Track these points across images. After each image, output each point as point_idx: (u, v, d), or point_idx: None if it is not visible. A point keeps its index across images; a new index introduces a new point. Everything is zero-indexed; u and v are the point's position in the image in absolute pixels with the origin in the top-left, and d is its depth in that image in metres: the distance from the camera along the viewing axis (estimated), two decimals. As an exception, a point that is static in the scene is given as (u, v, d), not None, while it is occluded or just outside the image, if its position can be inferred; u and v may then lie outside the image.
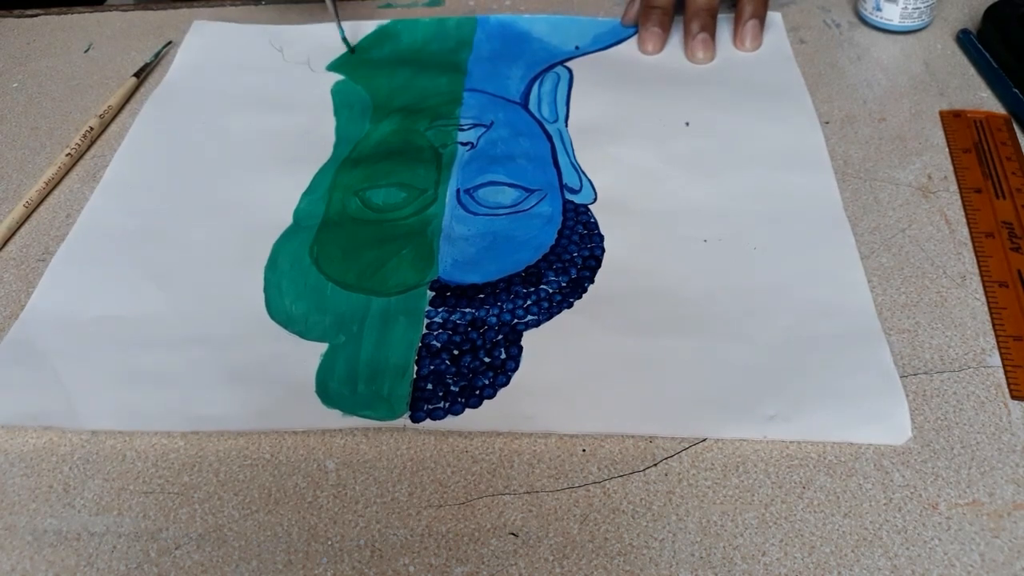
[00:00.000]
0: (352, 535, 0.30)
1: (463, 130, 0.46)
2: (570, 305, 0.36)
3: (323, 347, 0.35)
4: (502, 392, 0.33)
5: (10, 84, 0.53)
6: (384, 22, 0.55)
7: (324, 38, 0.54)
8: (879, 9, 0.51)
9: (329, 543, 0.29)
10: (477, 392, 0.33)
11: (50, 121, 0.50)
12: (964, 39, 0.50)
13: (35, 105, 0.51)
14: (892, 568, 0.28)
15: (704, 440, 0.32)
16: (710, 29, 0.49)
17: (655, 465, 0.31)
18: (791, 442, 0.31)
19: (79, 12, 0.60)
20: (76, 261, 0.40)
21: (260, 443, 0.33)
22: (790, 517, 0.29)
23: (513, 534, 0.29)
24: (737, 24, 0.51)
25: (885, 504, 0.29)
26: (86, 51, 0.56)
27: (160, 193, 0.43)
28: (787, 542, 0.29)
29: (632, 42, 0.53)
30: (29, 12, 0.60)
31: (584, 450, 0.32)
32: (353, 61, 0.52)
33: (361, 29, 0.55)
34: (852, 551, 0.28)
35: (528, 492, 0.30)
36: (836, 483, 0.30)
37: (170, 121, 0.48)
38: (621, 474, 0.31)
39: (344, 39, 0.51)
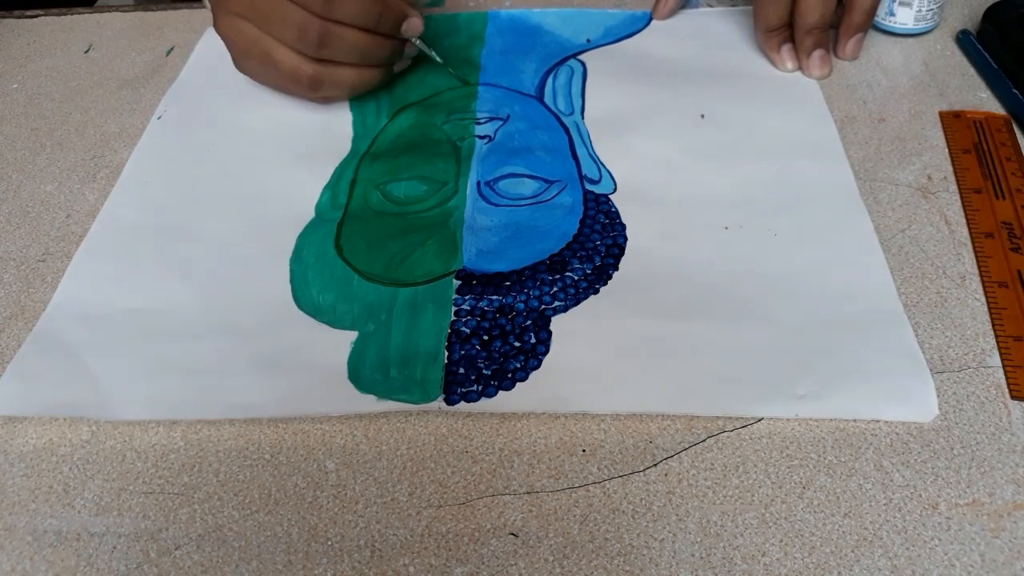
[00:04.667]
0: (352, 535, 0.30)
1: (480, 123, 0.47)
2: (596, 291, 0.37)
3: (352, 335, 0.36)
4: (534, 375, 0.34)
5: (10, 85, 0.53)
6: None
7: None
8: (892, 14, 0.51)
9: (329, 543, 0.29)
10: (509, 375, 0.33)
11: (50, 122, 0.50)
12: (964, 40, 0.51)
13: (35, 106, 0.51)
14: (892, 568, 0.28)
15: (704, 440, 0.32)
16: (824, 45, 0.48)
17: (655, 465, 0.31)
18: (791, 442, 0.31)
19: (79, 13, 0.60)
20: (98, 257, 0.40)
21: (260, 443, 0.33)
22: (790, 517, 0.29)
23: (513, 534, 0.29)
24: (843, 33, 0.50)
25: (885, 504, 0.29)
26: (86, 52, 0.56)
27: (179, 189, 0.44)
28: (787, 542, 0.29)
29: (643, 35, 0.53)
30: (29, 13, 0.60)
31: (584, 450, 0.32)
32: None
33: None
34: (852, 551, 0.28)
35: (528, 492, 0.30)
36: (836, 483, 0.30)
37: (186, 118, 0.48)
38: (621, 474, 0.31)
39: (456, 75, 0.50)
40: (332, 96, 0.47)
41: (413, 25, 0.45)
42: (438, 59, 0.49)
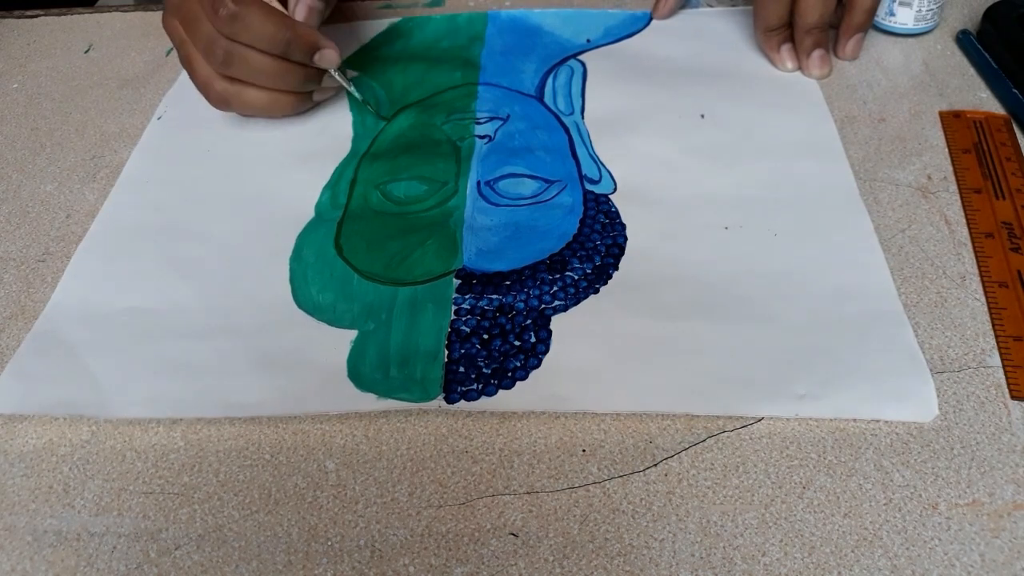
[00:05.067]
0: (352, 535, 0.30)
1: (480, 123, 0.47)
2: (596, 291, 0.37)
3: (352, 334, 0.36)
4: (535, 374, 0.34)
5: (10, 85, 0.53)
6: (395, 19, 0.55)
7: (334, 34, 0.54)
8: (892, 14, 0.51)
9: (329, 543, 0.29)
10: (509, 374, 0.33)
11: (50, 122, 0.50)
12: (964, 39, 0.51)
13: (35, 106, 0.51)
14: (892, 568, 0.28)
15: (704, 440, 0.32)
16: (824, 45, 0.48)
17: (655, 465, 0.31)
18: (791, 442, 0.31)
19: (79, 13, 0.60)
20: (98, 256, 0.40)
21: (260, 443, 0.33)
22: (790, 517, 0.29)
23: (513, 534, 0.29)
24: (843, 33, 0.50)
25: (885, 504, 0.29)
26: (86, 52, 0.56)
27: (179, 189, 0.44)
28: (787, 542, 0.29)
29: (643, 35, 0.53)
30: (29, 13, 0.60)
31: (584, 450, 0.32)
32: (365, 57, 0.53)
33: (370, 29, 0.55)
34: (852, 551, 0.28)
35: (528, 492, 0.30)
36: (836, 483, 0.30)
37: (186, 119, 0.48)
38: (621, 474, 0.31)
39: (374, 110, 0.48)
40: (245, 114, 0.46)
41: (327, 57, 0.44)
42: (357, 95, 0.47)
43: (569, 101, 0.48)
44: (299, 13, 0.44)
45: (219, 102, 0.44)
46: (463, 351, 0.35)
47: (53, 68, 0.55)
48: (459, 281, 0.38)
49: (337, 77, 0.45)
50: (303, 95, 0.46)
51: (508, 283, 0.37)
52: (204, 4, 0.41)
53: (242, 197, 0.43)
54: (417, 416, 0.33)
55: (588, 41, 0.53)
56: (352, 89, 0.47)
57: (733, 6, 0.55)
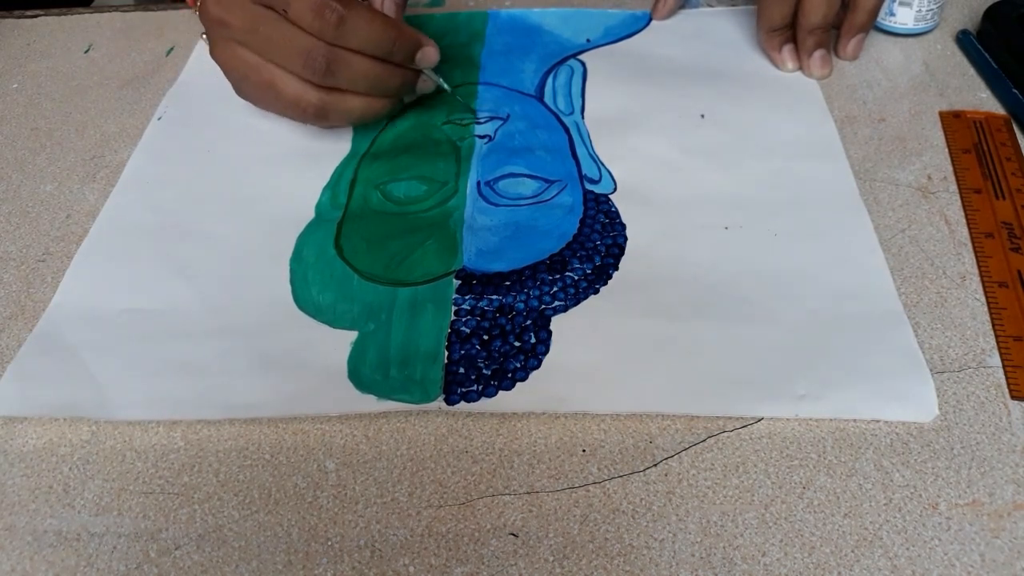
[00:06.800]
0: (352, 535, 0.30)
1: (480, 123, 0.47)
2: (596, 291, 0.37)
3: (353, 335, 0.36)
4: (534, 375, 0.34)
5: (10, 85, 0.53)
6: None
7: None
8: (892, 14, 0.51)
9: (329, 543, 0.29)
10: (509, 375, 0.33)
11: (50, 121, 0.50)
12: (964, 39, 0.51)
13: (35, 106, 0.51)
14: (892, 568, 0.28)
15: (704, 440, 0.32)
16: (826, 45, 0.48)
17: (655, 465, 0.31)
18: (791, 442, 0.31)
19: (79, 13, 0.60)
20: (99, 257, 0.40)
21: (260, 443, 0.33)
22: (790, 517, 0.29)
23: (513, 534, 0.29)
24: (844, 33, 0.50)
25: (885, 504, 0.29)
26: (86, 52, 0.56)
27: (180, 189, 0.44)
28: (787, 542, 0.29)
29: (643, 35, 0.53)
30: (29, 13, 0.60)
31: (584, 450, 0.32)
32: None
33: None
34: (852, 551, 0.28)
35: (528, 492, 0.30)
36: (836, 483, 0.30)
37: (186, 119, 0.48)
38: (621, 474, 0.31)
39: (464, 104, 0.48)
40: (338, 125, 0.45)
41: (428, 55, 0.43)
42: (448, 88, 0.46)
43: (569, 101, 0.48)
44: (387, 10, 0.44)
45: (317, 115, 0.42)
46: (463, 352, 0.35)
47: (53, 68, 0.55)
48: (459, 281, 0.38)
49: (430, 75, 0.45)
50: (396, 98, 0.45)
51: (508, 283, 0.37)
52: (303, 13, 0.39)
53: (242, 197, 0.43)
54: (417, 416, 0.33)
55: (588, 41, 0.53)
56: (447, 87, 0.46)
57: (733, 6, 0.55)
